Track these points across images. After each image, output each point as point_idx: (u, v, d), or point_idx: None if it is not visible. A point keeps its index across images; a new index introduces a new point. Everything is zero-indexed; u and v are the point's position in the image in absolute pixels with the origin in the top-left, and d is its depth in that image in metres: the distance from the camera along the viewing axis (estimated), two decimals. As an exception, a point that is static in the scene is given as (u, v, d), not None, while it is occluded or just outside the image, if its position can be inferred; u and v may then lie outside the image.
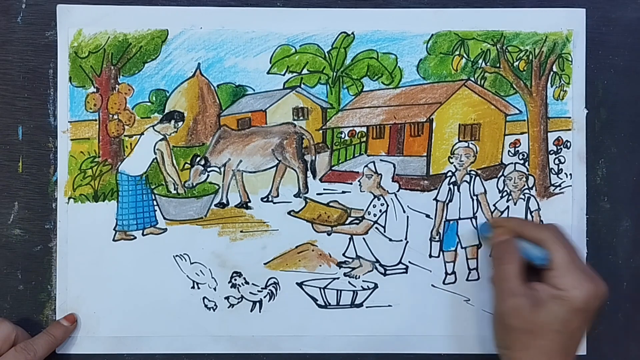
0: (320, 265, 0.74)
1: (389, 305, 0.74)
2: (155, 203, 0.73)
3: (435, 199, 0.74)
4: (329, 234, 0.74)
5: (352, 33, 0.73)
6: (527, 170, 0.74)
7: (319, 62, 0.74)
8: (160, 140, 0.73)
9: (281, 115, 0.74)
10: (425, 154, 0.74)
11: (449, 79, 0.74)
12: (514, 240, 0.68)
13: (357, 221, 0.74)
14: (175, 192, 0.74)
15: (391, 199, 0.74)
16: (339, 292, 0.74)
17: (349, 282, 0.74)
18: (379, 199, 0.74)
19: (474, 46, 0.73)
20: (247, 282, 0.73)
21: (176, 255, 0.73)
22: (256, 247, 0.73)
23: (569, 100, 0.74)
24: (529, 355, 0.63)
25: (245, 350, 0.73)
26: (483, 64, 0.73)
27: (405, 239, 0.74)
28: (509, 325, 0.64)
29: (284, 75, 0.73)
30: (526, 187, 0.74)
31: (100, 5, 0.73)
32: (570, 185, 0.74)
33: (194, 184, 0.74)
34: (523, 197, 0.74)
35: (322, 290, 0.74)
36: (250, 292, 0.73)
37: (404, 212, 0.74)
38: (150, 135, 0.73)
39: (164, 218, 0.73)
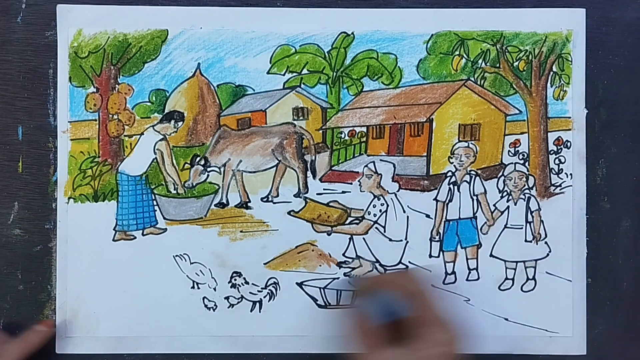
0: (320, 265, 0.74)
1: (389, 305, 0.74)
2: (155, 203, 0.73)
3: (435, 199, 0.74)
4: (329, 234, 0.74)
5: (352, 33, 0.73)
6: (527, 170, 0.74)
7: (319, 62, 0.74)
8: (160, 140, 0.73)
9: (281, 115, 0.74)
10: (425, 154, 0.74)
11: (449, 79, 0.74)
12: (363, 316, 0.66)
13: (357, 221, 0.74)
14: (175, 192, 0.74)
15: (391, 199, 0.74)
16: (339, 292, 0.74)
17: (349, 282, 0.74)
18: (379, 199, 0.74)
19: (473, 46, 0.73)
20: (247, 282, 0.73)
21: (176, 255, 0.73)
22: (256, 247, 0.73)
23: (569, 100, 0.74)
24: None
25: (245, 350, 0.73)
26: (483, 64, 0.73)
27: (405, 239, 0.74)
28: None
29: (284, 75, 0.73)
30: (526, 187, 0.74)
31: (100, 5, 0.73)
32: (571, 185, 0.74)
33: (194, 184, 0.74)
34: (523, 197, 0.74)
35: (322, 290, 0.74)
36: (250, 292, 0.73)
37: (404, 212, 0.74)
38: (150, 135, 0.73)
39: (164, 218, 0.73)
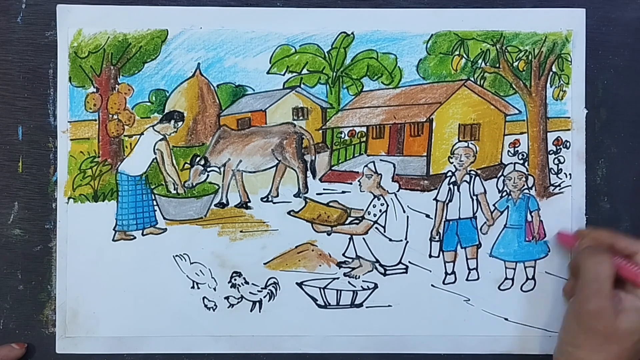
0: (320, 265, 0.74)
1: (389, 305, 0.74)
2: (155, 203, 0.73)
3: (435, 199, 0.74)
4: (328, 234, 0.74)
5: (352, 33, 0.73)
6: (527, 170, 0.74)
7: (318, 62, 0.74)
8: (160, 140, 0.73)
9: (281, 115, 0.74)
10: (425, 154, 0.74)
11: (449, 79, 0.74)
12: (605, 248, 0.67)
13: (357, 221, 0.74)
14: (175, 192, 0.74)
15: (391, 199, 0.74)
16: (338, 292, 0.74)
17: (349, 282, 0.74)
18: (379, 199, 0.74)
19: (473, 46, 0.73)
20: (247, 282, 0.73)
21: (176, 255, 0.73)
22: (256, 247, 0.73)
23: (568, 100, 0.74)
24: (598, 358, 0.64)
25: (245, 350, 0.73)
26: (483, 64, 0.73)
27: (405, 239, 0.74)
28: (587, 325, 0.64)
29: (283, 75, 0.73)
30: (526, 187, 0.74)
31: (100, 5, 0.73)
32: (570, 185, 0.74)
33: (194, 184, 0.74)
34: (523, 197, 0.74)
35: (322, 290, 0.74)
36: (250, 292, 0.73)
37: (404, 212, 0.74)
38: (150, 135, 0.73)
39: (164, 218, 0.73)
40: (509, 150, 0.74)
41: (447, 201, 0.74)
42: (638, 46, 0.74)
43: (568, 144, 0.74)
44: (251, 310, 0.74)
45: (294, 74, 0.73)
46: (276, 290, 0.74)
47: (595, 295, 0.64)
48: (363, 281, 0.74)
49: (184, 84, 0.73)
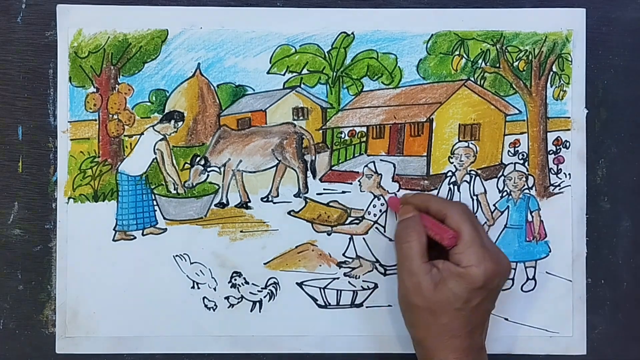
0: (320, 265, 0.74)
1: (389, 305, 0.74)
2: (155, 203, 0.73)
3: (435, 199, 0.74)
4: (329, 234, 0.74)
5: (352, 33, 0.73)
6: (527, 170, 0.74)
7: (318, 62, 0.74)
8: (160, 140, 0.73)
9: (281, 115, 0.74)
10: (425, 154, 0.74)
11: (449, 79, 0.74)
12: (417, 217, 0.67)
13: (357, 221, 0.74)
14: (175, 192, 0.74)
15: (391, 199, 0.74)
16: (339, 292, 0.74)
17: (349, 282, 0.74)
18: (379, 199, 0.74)
19: (473, 46, 0.73)
20: (247, 282, 0.73)
21: (176, 255, 0.73)
22: (256, 247, 0.73)
23: (569, 100, 0.74)
24: (431, 334, 0.63)
25: (245, 350, 0.73)
26: (483, 64, 0.73)
27: (405, 239, 0.74)
28: (412, 304, 0.64)
29: (283, 75, 0.73)
30: (526, 187, 0.74)
31: (100, 5, 0.73)
32: (569, 185, 0.74)
33: (194, 184, 0.74)
34: (523, 197, 0.74)
35: (322, 290, 0.74)
36: (250, 292, 0.73)
37: (404, 212, 0.74)
38: (150, 135, 0.73)
39: (164, 218, 0.73)
40: (509, 150, 0.74)
41: (447, 201, 0.74)
42: (638, 46, 0.74)
43: (568, 143, 0.74)
44: (251, 310, 0.74)
45: (294, 74, 0.73)
46: (276, 290, 0.73)
47: (409, 274, 0.64)
48: (363, 281, 0.74)
49: (184, 84, 0.73)
